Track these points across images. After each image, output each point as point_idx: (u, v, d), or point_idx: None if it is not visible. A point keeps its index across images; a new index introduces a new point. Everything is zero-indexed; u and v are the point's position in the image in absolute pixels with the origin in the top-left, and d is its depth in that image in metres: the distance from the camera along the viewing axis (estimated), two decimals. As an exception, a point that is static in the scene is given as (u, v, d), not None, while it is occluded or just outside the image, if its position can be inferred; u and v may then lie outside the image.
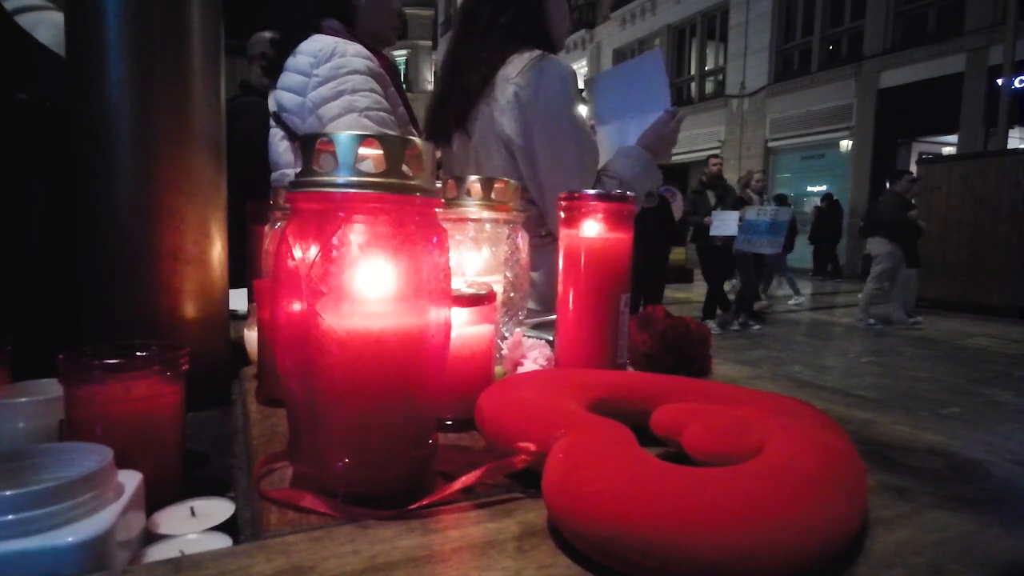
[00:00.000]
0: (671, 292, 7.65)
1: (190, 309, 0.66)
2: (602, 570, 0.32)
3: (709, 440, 0.43)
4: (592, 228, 0.62)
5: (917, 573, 0.32)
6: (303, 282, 0.38)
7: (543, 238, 1.24)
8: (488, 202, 0.68)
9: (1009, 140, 8.85)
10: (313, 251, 0.38)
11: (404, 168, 0.39)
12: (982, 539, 0.36)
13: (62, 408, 0.45)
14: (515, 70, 1.16)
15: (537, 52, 1.18)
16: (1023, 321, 6.44)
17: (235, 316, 0.80)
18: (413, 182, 0.39)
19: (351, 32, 1.31)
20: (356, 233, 0.37)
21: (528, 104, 1.14)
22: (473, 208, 0.68)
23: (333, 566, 0.32)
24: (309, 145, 0.39)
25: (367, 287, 0.38)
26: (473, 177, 0.68)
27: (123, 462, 0.38)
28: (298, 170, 0.39)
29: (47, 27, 0.90)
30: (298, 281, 0.38)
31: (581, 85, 1.27)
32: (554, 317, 0.67)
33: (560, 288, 0.64)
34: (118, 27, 0.62)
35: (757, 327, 6.18)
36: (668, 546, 0.30)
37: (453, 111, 1.26)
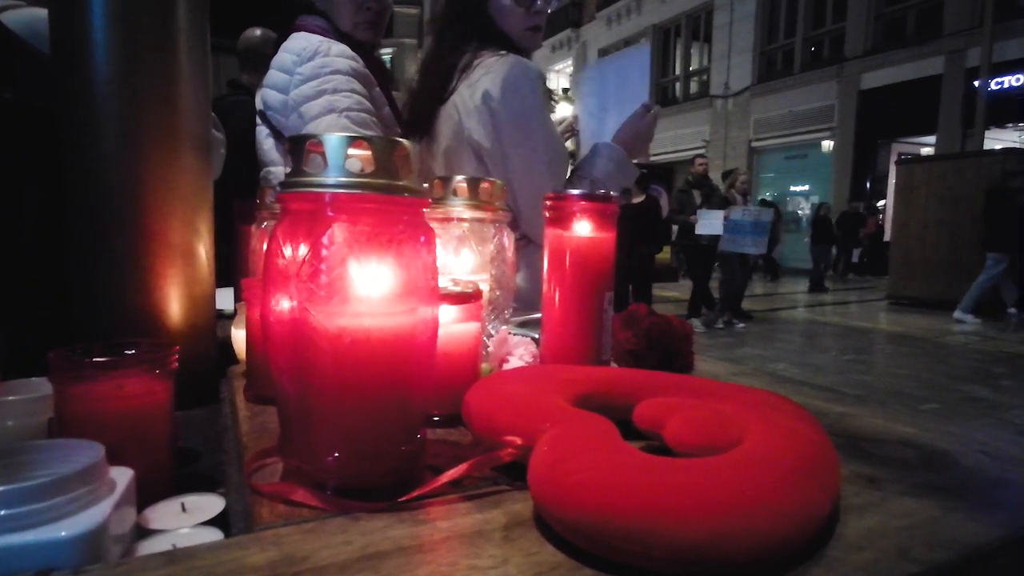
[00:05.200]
0: (656, 291, 7.69)
1: (178, 309, 0.67)
2: (586, 556, 0.33)
3: (690, 433, 0.44)
4: (577, 228, 0.63)
5: (884, 555, 0.34)
6: (294, 281, 0.39)
7: (517, 241, 1.24)
8: (474, 202, 0.69)
9: (985, 141, 9.03)
10: (303, 250, 0.38)
11: (392, 169, 0.39)
12: (947, 523, 0.38)
13: (51, 406, 0.46)
14: (482, 74, 1.15)
15: (502, 53, 1.16)
16: (1001, 319, 6.55)
17: (221, 315, 0.80)
18: (401, 182, 0.40)
19: (336, 30, 1.30)
20: (346, 232, 0.38)
21: (497, 108, 1.13)
22: (459, 208, 0.69)
23: (326, 556, 0.33)
24: (299, 146, 0.39)
25: (357, 285, 0.39)
26: (459, 177, 0.69)
27: (114, 459, 0.39)
28: (288, 170, 0.40)
29: (25, 20, 0.89)
30: (289, 280, 0.39)
31: (566, 85, 1.28)
32: (539, 315, 0.68)
33: (545, 286, 0.66)
34: (104, 27, 0.62)
35: (742, 325, 6.25)
36: (649, 532, 0.31)
37: (422, 115, 1.25)
